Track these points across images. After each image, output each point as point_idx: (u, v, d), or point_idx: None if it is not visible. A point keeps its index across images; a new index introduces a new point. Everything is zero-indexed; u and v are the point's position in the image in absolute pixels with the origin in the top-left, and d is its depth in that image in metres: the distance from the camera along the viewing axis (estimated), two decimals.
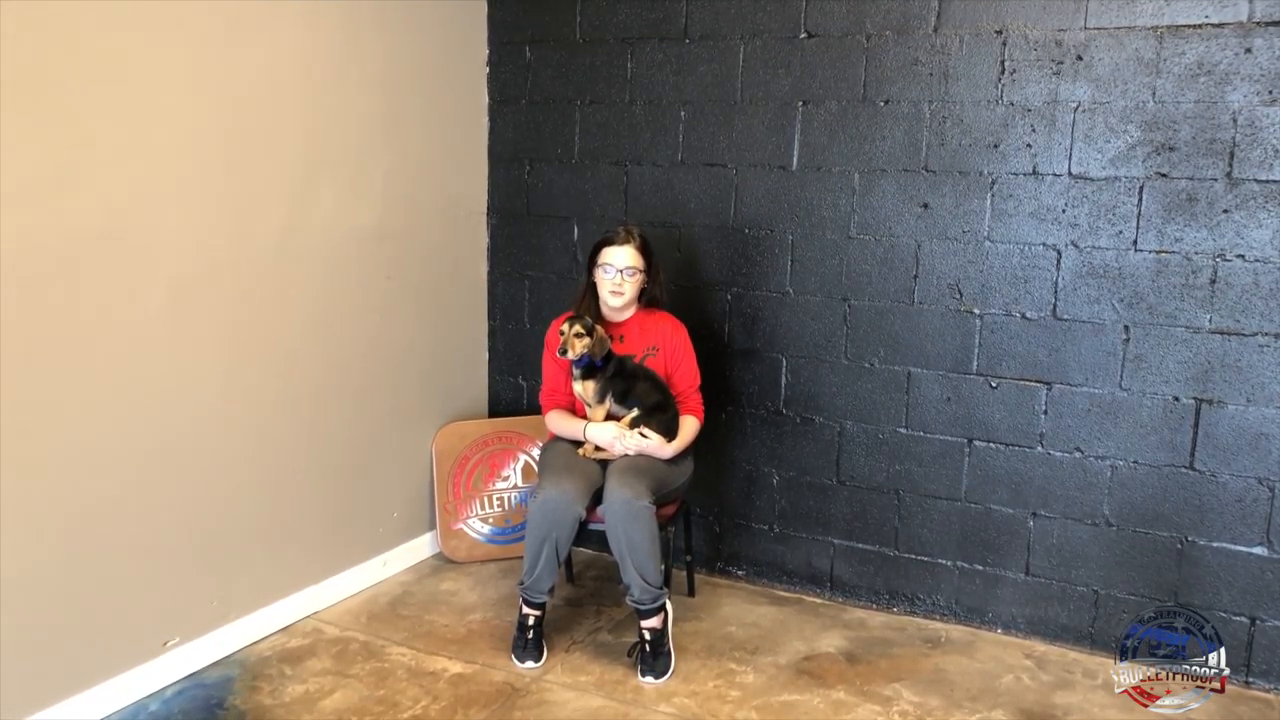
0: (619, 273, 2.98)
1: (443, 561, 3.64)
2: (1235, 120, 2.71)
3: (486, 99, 3.73)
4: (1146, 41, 2.78)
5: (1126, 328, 2.89)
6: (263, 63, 2.85)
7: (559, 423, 3.07)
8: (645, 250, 3.02)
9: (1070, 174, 2.90)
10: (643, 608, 2.83)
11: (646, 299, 3.10)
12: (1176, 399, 2.87)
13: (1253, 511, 2.82)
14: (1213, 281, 2.79)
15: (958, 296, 3.09)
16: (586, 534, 2.94)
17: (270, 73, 2.88)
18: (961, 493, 3.16)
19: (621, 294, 3.00)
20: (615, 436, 2.94)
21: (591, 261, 3.05)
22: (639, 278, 3.01)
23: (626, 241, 2.99)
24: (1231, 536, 2.85)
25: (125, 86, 2.48)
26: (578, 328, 2.91)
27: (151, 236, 2.59)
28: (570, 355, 2.90)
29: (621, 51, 3.47)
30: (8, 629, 2.36)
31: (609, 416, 3.01)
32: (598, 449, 2.99)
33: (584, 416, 3.04)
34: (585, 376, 2.97)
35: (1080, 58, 2.85)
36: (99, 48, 2.41)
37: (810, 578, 3.43)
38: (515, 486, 3.71)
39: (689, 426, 3.06)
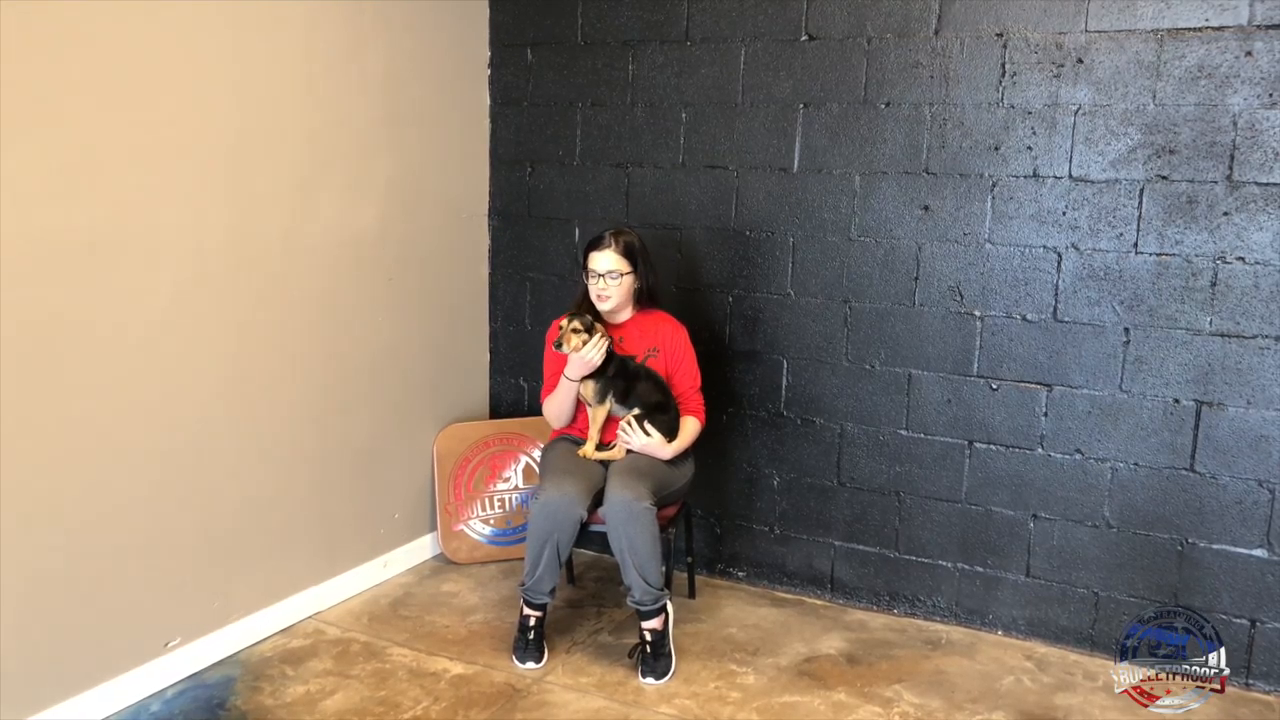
0: (600, 277, 2.98)
1: (444, 563, 3.64)
2: (1235, 123, 2.71)
3: (488, 101, 3.74)
4: (1147, 45, 2.78)
5: (1127, 330, 2.90)
6: (265, 64, 2.86)
7: (550, 400, 3.07)
8: (629, 253, 3.01)
9: (1071, 176, 2.91)
10: (643, 609, 2.84)
11: (638, 299, 3.10)
12: (1177, 401, 2.87)
13: (1253, 514, 2.82)
14: (1213, 284, 2.79)
15: (958, 299, 3.09)
16: (588, 535, 2.94)
17: (272, 75, 2.88)
18: (962, 494, 3.17)
19: (606, 298, 3.00)
20: (589, 351, 2.88)
21: (583, 267, 3.06)
22: (624, 281, 3.01)
23: (608, 246, 2.99)
24: (1232, 539, 2.85)
25: (127, 89, 2.49)
26: (575, 324, 2.91)
27: (154, 239, 2.59)
28: (564, 349, 2.90)
29: (623, 54, 3.47)
30: (8, 629, 2.36)
31: (610, 417, 3.01)
32: (598, 449, 2.99)
33: (587, 422, 3.04)
34: (586, 376, 2.97)
35: (1081, 61, 2.86)
36: (101, 50, 2.42)
37: (811, 579, 3.43)
38: (516, 488, 3.71)
39: (690, 427, 3.06)
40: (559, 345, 2.90)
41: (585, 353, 2.89)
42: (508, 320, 3.84)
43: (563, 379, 2.98)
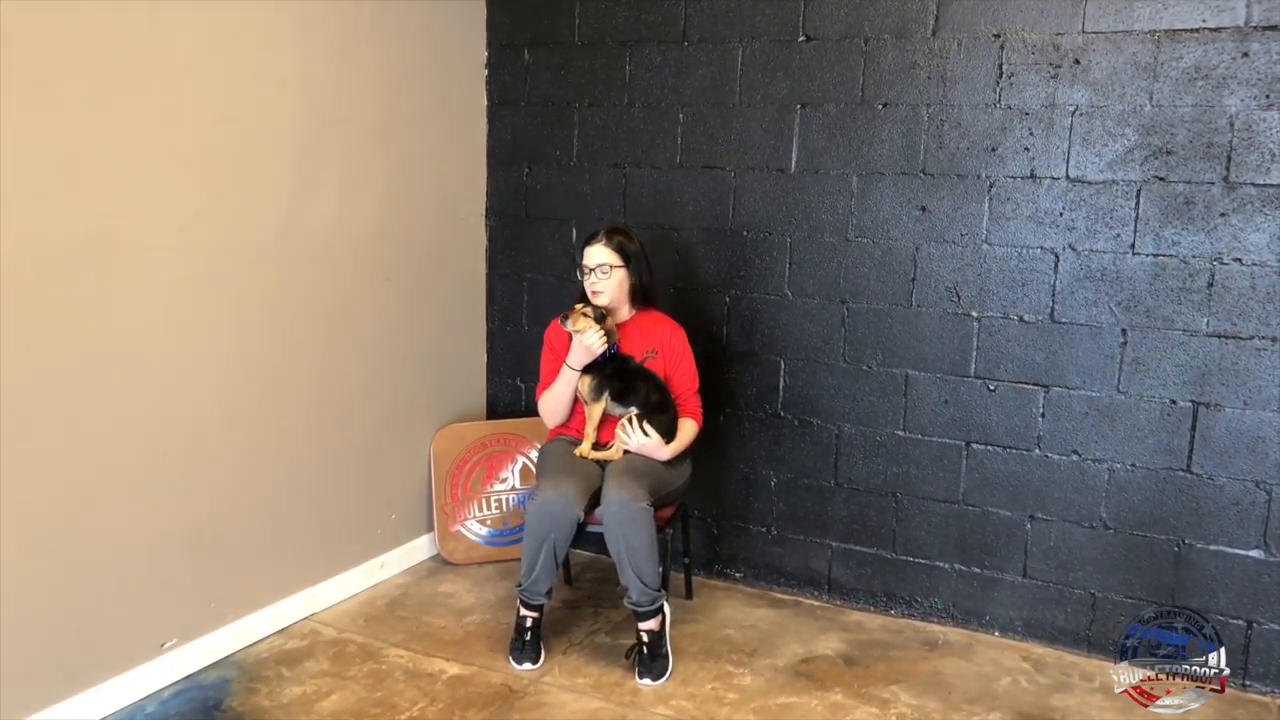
0: (592, 271, 3.00)
1: (440, 563, 3.64)
2: (1232, 124, 2.72)
3: (485, 101, 3.73)
4: (1144, 46, 2.78)
5: (1124, 331, 2.90)
6: (262, 64, 2.85)
7: (547, 395, 3.07)
8: (621, 249, 3.02)
9: (1068, 177, 2.91)
10: (640, 610, 2.83)
11: (634, 298, 3.10)
12: (1174, 402, 2.87)
13: (1249, 514, 2.82)
14: (1210, 285, 2.79)
15: (955, 299, 3.09)
16: (585, 536, 2.94)
17: (270, 74, 2.88)
18: (959, 495, 3.17)
19: (599, 292, 3.00)
20: (590, 336, 2.89)
21: (579, 264, 3.07)
22: (615, 275, 3.01)
23: (600, 241, 3.02)
24: (1228, 539, 2.85)
25: (124, 88, 2.48)
26: (588, 309, 2.93)
27: (150, 238, 2.59)
28: (569, 327, 2.90)
29: (620, 54, 3.47)
30: (6, 630, 2.35)
31: (606, 417, 3.01)
32: (595, 448, 2.99)
33: (584, 422, 3.04)
34: (584, 371, 2.97)
35: (1078, 62, 2.86)
36: (97, 49, 2.41)
37: (808, 580, 3.43)
38: (513, 488, 3.71)
39: (688, 429, 3.06)
40: (565, 319, 2.92)
41: (587, 337, 2.90)
42: (505, 321, 3.84)
43: (565, 368, 2.98)
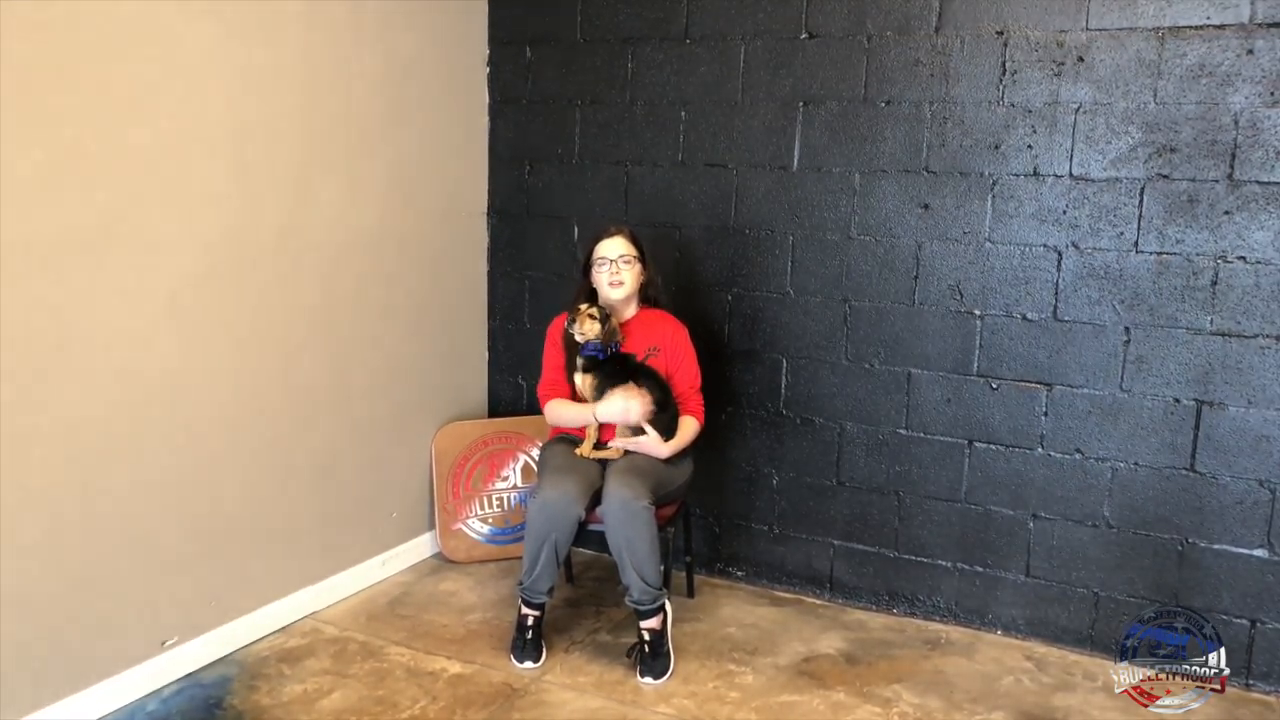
0: (613, 263, 3.00)
1: (442, 561, 3.63)
2: (1237, 122, 2.70)
3: (487, 99, 3.73)
4: (1148, 43, 2.77)
5: (1127, 329, 2.89)
6: (263, 62, 2.85)
7: (561, 411, 3.05)
8: (635, 241, 3.06)
9: (1071, 175, 2.90)
10: (642, 608, 2.83)
11: (643, 297, 3.11)
12: (1177, 401, 2.86)
13: (1253, 514, 2.81)
14: (1214, 283, 2.78)
15: (958, 298, 3.08)
16: (586, 535, 2.94)
17: (271, 72, 2.87)
18: (962, 494, 3.16)
19: (621, 283, 3.00)
20: (624, 405, 2.88)
21: (587, 264, 3.06)
22: (635, 266, 3.03)
23: (616, 234, 3.04)
24: (1232, 539, 2.84)
25: (125, 86, 2.48)
26: (593, 309, 2.93)
27: (151, 237, 2.58)
28: (575, 330, 2.91)
29: (622, 52, 3.46)
30: (7, 629, 2.35)
31: None
32: (596, 447, 2.98)
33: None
34: (587, 369, 2.97)
35: (1081, 59, 2.85)
36: (98, 46, 2.41)
37: (810, 579, 3.42)
38: (515, 487, 3.71)
39: (688, 427, 3.05)
40: (571, 323, 2.92)
41: (634, 405, 2.87)
42: (506, 319, 3.83)
43: (590, 413, 2.94)
